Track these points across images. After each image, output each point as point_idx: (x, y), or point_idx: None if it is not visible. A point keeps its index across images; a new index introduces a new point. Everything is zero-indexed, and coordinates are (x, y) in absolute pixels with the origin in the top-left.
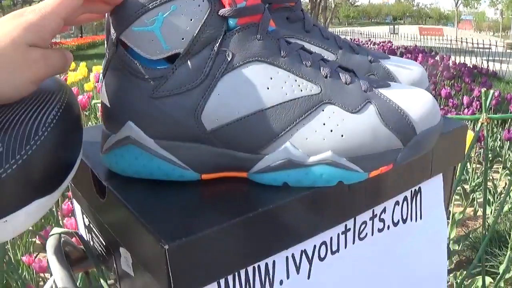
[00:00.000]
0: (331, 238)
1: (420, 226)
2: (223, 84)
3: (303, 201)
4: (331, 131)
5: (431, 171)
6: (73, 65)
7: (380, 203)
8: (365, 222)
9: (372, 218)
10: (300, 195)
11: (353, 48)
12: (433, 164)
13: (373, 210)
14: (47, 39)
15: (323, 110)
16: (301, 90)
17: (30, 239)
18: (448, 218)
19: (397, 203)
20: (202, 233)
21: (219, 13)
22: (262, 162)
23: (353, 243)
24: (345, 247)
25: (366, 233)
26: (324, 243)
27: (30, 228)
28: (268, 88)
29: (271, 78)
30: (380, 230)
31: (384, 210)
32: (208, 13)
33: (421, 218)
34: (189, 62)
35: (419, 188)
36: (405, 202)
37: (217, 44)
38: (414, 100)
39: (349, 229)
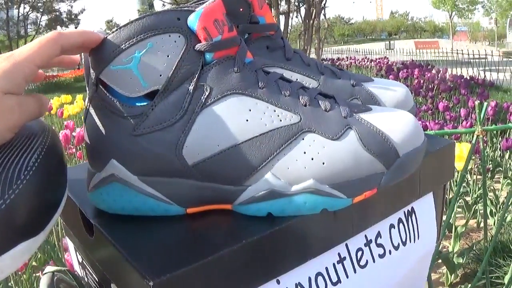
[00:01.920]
0: (326, 269)
1: (417, 246)
2: (202, 118)
3: (289, 230)
4: (312, 159)
5: (419, 191)
6: (70, 97)
7: (369, 226)
8: (360, 249)
9: (367, 244)
10: (285, 224)
11: (335, 73)
12: (421, 184)
13: (366, 235)
14: (21, 86)
15: (303, 139)
16: (280, 120)
17: (34, 274)
18: (450, 232)
19: (392, 226)
20: (186, 268)
21: (195, 48)
22: (246, 193)
23: (355, 272)
24: (347, 277)
25: (366, 260)
26: (319, 274)
27: (34, 263)
28: (247, 120)
29: (250, 110)
30: (381, 256)
31: (379, 235)
32: (184, 49)
33: (418, 238)
34: (168, 98)
35: (412, 208)
36: (401, 224)
37: (195, 79)
38: (395, 122)
39: (344, 257)
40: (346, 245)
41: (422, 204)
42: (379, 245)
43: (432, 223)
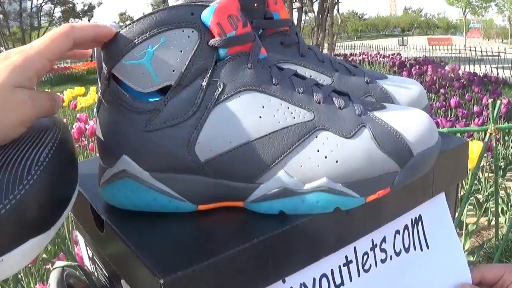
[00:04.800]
0: (332, 271)
1: (429, 256)
2: (215, 114)
3: (300, 229)
4: (326, 157)
5: (432, 190)
6: (83, 89)
7: (381, 226)
8: (366, 253)
9: (372, 249)
10: (297, 222)
11: (349, 70)
12: (434, 184)
13: (372, 240)
14: (33, 80)
15: (316, 137)
16: (294, 118)
17: (44, 267)
18: (461, 229)
19: (397, 232)
20: (197, 266)
21: (209, 44)
22: (258, 191)
23: (359, 275)
24: (350, 280)
25: (370, 265)
26: (324, 275)
27: (44, 255)
28: (260, 117)
29: (263, 107)
30: (383, 261)
31: (384, 240)
32: (198, 44)
33: (427, 247)
34: (180, 94)
35: (420, 215)
36: (406, 231)
37: (208, 75)
38: (409, 121)
39: (351, 260)
40: (355, 248)
41: (432, 213)
42: (383, 250)
43: (450, 232)
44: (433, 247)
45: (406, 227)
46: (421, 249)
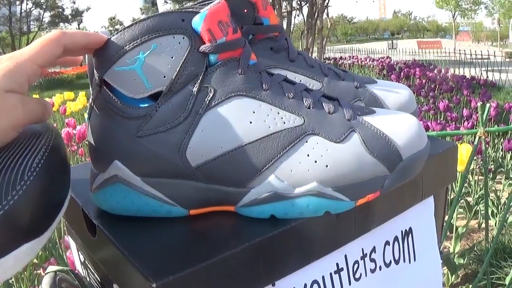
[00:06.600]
0: (323, 277)
1: (414, 268)
2: (206, 120)
3: (291, 233)
4: (316, 161)
5: (422, 194)
6: (72, 94)
7: (371, 229)
8: (357, 262)
9: (363, 258)
10: (288, 226)
11: (338, 74)
12: (423, 187)
13: (363, 249)
14: (24, 85)
15: (306, 142)
16: (284, 123)
17: (34, 272)
18: (451, 232)
19: (387, 243)
20: (189, 270)
21: (199, 50)
22: (249, 195)
23: (349, 283)
24: None
25: (361, 274)
26: (315, 282)
27: (35, 260)
28: (251, 122)
29: (254, 112)
30: (372, 271)
31: (374, 250)
32: (188, 50)
33: (415, 259)
34: (171, 99)
35: (410, 228)
36: (396, 243)
37: (199, 81)
38: (398, 125)
39: (342, 268)
40: (346, 256)
41: (422, 226)
42: (372, 260)
43: (434, 247)
44: (418, 258)
45: (396, 238)
46: (409, 262)
